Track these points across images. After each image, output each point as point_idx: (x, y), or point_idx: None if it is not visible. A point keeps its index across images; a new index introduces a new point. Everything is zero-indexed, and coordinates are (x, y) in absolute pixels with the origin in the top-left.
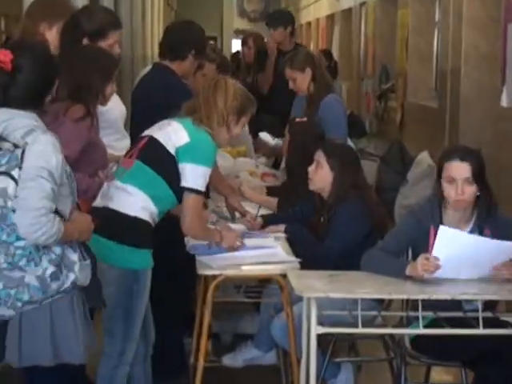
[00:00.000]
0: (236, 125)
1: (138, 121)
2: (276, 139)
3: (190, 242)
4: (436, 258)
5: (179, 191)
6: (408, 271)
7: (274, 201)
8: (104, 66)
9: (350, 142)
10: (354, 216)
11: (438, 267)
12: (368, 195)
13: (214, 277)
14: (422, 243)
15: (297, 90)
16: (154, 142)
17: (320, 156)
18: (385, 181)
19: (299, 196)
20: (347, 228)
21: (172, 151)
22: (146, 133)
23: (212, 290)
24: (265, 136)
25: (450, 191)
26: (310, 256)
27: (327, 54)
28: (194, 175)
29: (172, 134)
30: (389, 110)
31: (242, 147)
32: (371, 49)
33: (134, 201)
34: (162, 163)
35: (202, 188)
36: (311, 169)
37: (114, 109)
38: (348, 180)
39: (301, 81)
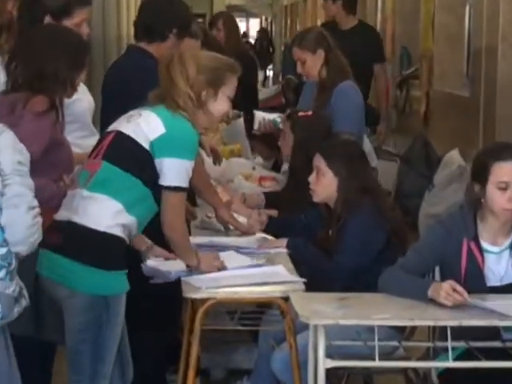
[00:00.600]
0: (215, 100)
1: (110, 115)
2: (274, 114)
3: (147, 260)
4: (463, 290)
5: (158, 192)
6: (430, 292)
7: (272, 213)
8: (74, 49)
9: (365, 140)
10: (366, 226)
11: (464, 301)
12: (381, 199)
13: (203, 301)
14: (452, 260)
15: (306, 75)
16: (122, 137)
17: (319, 161)
18: (406, 185)
19: (304, 204)
20: (359, 240)
21: (146, 146)
22: (112, 127)
23: (200, 316)
24: (259, 113)
25: (500, 199)
26: (317, 275)
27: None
28: (173, 171)
29: (144, 125)
30: (411, 99)
31: (236, 145)
32: (390, 27)
33: (103, 212)
34: (135, 161)
35: (184, 184)
36: (312, 178)
37: (81, 100)
38: (356, 183)
39: (311, 64)
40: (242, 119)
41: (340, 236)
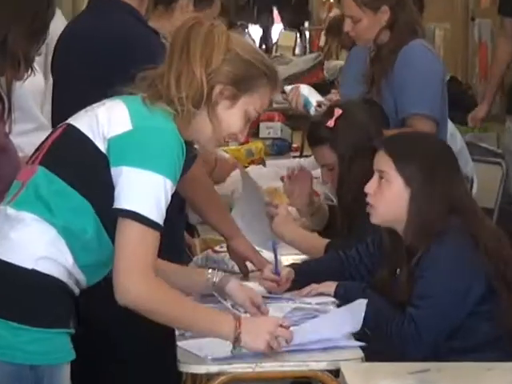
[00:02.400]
0: (230, 107)
1: (66, 101)
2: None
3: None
4: None
5: (113, 220)
6: None
7: (320, 242)
8: (30, 12)
9: (453, 130)
10: (457, 264)
11: None
12: (477, 223)
13: (210, 377)
14: None
15: (355, 37)
16: (71, 134)
17: (383, 161)
18: None
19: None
20: (448, 287)
21: (101, 146)
22: (67, 121)
23: None
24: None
25: None
26: (384, 336)
27: None
28: (134, 187)
29: (103, 117)
30: None
31: (256, 143)
32: None
33: (32, 240)
34: (83, 169)
35: (152, 214)
36: (370, 187)
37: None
38: (439, 199)
39: (368, 25)
40: None
41: (416, 281)
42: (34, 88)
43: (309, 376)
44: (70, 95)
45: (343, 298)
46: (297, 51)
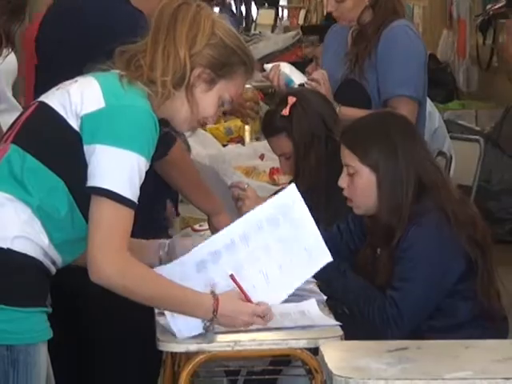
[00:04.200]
0: (207, 91)
1: (48, 80)
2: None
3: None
4: None
5: (86, 199)
6: None
7: None
8: None
9: (431, 108)
10: (436, 245)
11: None
12: (452, 200)
13: (189, 356)
14: None
15: (339, 18)
16: (43, 111)
17: (347, 156)
18: (495, 177)
19: (336, 211)
20: (429, 268)
21: (74, 124)
22: (39, 99)
23: (185, 379)
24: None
25: None
26: (365, 317)
27: None
28: (107, 165)
29: (75, 94)
30: (500, 49)
31: (237, 121)
32: None
33: (7, 220)
34: (55, 147)
35: (126, 192)
36: (343, 181)
37: None
38: (406, 173)
39: (353, 4)
40: None
41: (396, 262)
42: (6, 67)
43: (288, 354)
44: (56, 74)
45: (325, 279)
46: (276, 30)
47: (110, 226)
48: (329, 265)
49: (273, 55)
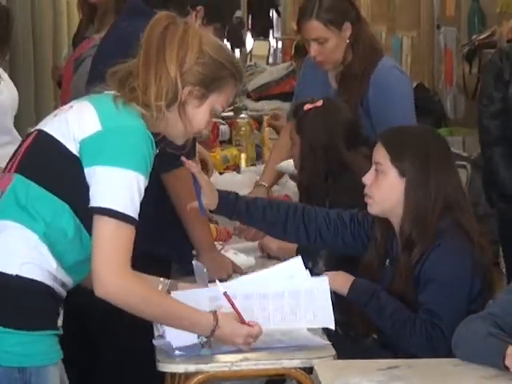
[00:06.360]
0: (198, 106)
1: None
2: None
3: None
4: None
5: (91, 218)
6: (508, 359)
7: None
8: None
9: None
10: (462, 267)
11: None
12: (471, 220)
13: (188, 376)
14: None
15: (323, 61)
16: (43, 139)
17: (379, 154)
18: (482, 202)
19: None
20: (458, 289)
21: (73, 149)
22: (37, 127)
23: None
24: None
25: None
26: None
27: None
28: (107, 185)
29: (73, 121)
30: None
31: (233, 150)
32: None
33: (15, 247)
34: (58, 173)
35: (127, 209)
36: (367, 178)
37: (1, 93)
38: (435, 190)
39: (335, 44)
40: None
41: (423, 283)
42: (13, 104)
43: (283, 374)
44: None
45: (355, 300)
46: (270, 60)
47: (113, 243)
48: (360, 284)
49: (268, 85)
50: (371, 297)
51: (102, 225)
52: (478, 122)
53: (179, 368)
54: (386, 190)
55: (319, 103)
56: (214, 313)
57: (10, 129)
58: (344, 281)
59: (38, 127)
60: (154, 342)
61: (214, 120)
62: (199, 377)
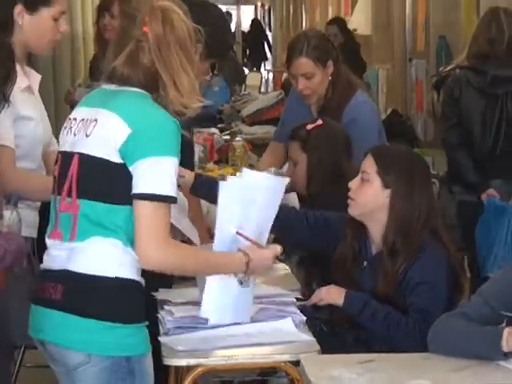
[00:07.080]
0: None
1: None
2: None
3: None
4: None
5: None
6: (505, 343)
7: None
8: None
9: None
10: (447, 272)
11: None
12: (446, 237)
13: (190, 369)
14: None
15: (310, 94)
16: (88, 162)
17: (369, 164)
18: (450, 217)
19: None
20: (443, 294)
21: (117, 159)
22: (69, 146)
23: None
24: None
25: None
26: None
27: (340, 24)
28: (146, 173)
29: (106, 135)
30: None
31: (229, 169)
32: (422, 12)
33: (108, 255)
34: (113, 184)
35: (167, 190)
36: (354, 183)
37: (36, 123)
38: (418, 204)
39: (321, 79)
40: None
41: (411, 289)
42: (44, 136)
43: (274, 366)
44: None
45: (349, 309)
46: (262, 89)
47: (155, 223)
48: (352, 297)
49: (261, 111)
50: (364, 305)
51: (144, 208)
52: (442, 131)
53: (182, 362)
54: (369, 196)
55: (319, 122)
56: (242, 250)
57: (38, 158)
58: (338, 293)
59: (74, 150)
60: (160, 338)
61: (209, 132)
62: (200, 369)
